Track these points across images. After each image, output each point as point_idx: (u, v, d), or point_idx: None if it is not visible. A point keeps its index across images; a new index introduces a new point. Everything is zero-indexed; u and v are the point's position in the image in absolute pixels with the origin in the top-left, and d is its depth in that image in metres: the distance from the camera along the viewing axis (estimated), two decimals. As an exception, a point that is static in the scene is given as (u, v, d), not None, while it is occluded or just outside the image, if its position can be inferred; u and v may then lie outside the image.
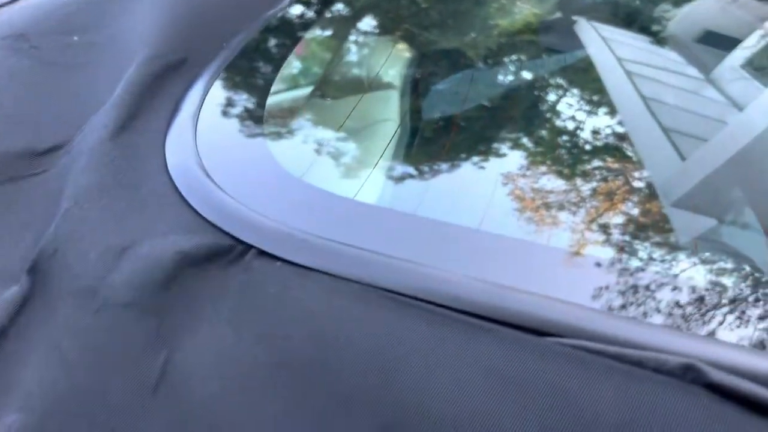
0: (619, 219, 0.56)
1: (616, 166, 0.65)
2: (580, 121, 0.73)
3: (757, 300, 0.45)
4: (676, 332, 0.41)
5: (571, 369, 0.36)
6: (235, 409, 0.38)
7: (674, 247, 0.53)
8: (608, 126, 0.74)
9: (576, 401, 0.35)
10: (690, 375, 0.35)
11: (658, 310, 0.43)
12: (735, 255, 0.52)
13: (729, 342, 0.41)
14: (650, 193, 0.60)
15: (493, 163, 0.66)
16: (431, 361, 0.37)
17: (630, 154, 0.67)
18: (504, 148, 0.69)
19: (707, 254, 0.52)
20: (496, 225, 0.54)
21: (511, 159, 0.66)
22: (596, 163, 0.65)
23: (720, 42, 0.95)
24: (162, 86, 0.64)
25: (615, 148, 0.69)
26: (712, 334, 0.42)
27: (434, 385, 0.36)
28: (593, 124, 0.72)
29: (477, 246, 0.48)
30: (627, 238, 0.53)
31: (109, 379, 0.40)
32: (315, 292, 0.43)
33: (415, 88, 0.82)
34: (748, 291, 0.47)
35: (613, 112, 0.76)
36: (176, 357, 0.41)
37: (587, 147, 0.68)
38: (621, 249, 0.52)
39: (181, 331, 0.42)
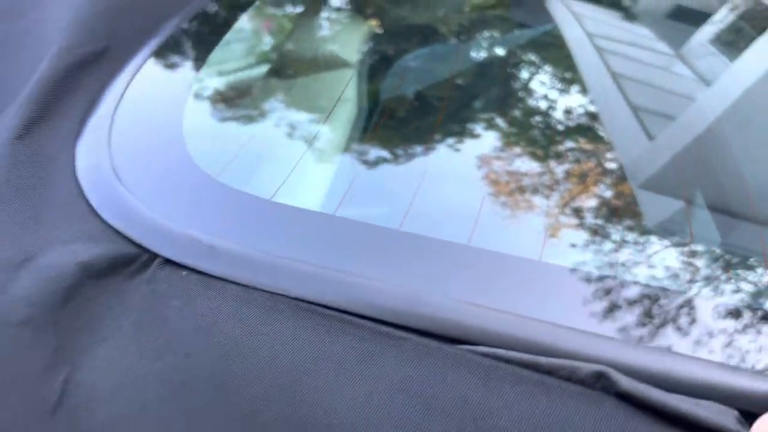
0: (588, 202, 0.56)
1: (585, 146, 0.65)
2: (550, 99, 0.72)
3: (718, 286, 0.45)
4: (595, 337, 0.40)
5: (477, 379, 0.36)
6: (141, 428, 0.37)
7: (643, 231, 0.53)
8: (579, 105, 0.73)
9: (478, 412, 0.34)
10: (601, 383, 0.35)
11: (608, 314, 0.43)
12: (698, 237, 0.52)
13: (647, 345, 0.40)
14: (619, 175, 0.60)
15: (449, 145, 0.64)
16: (339, 375, 0.36)
17: (600, 134, 0.67)
18: (472, 127, 0.67)
19: (672, 238, 0.52)
20: (423, 219, 0.53)
21: (477, 140, 0.65)
22: (565, 143, 0.65)
23: (690, 17, 0.95)
24: (77, 82, 0.58)
25: (585, 128, 0.68)
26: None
27: (342, 401, 0.35)
28: (563, 103, 0.72)
29: (395, 247, 0.46)
30: (597, 221, 0.53)
31: (5, 402, 0.38)
32: (220, 302, 0.41)
33: (373, 66, 0.79)
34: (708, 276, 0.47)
35: (583, 90, 0.75)
36: (76, 377, 0.39)
37: (556, 126, 0.68)
38: (592, 232, 0.52)
39: (82, 350, 0.40)
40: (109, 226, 0.46)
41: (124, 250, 0.44)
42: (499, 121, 0.69)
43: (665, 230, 0.53)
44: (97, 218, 0.47)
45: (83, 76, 0.59)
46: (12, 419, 0.38)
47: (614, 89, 0.75)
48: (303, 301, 0.41)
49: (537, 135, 0.66)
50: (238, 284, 0.42)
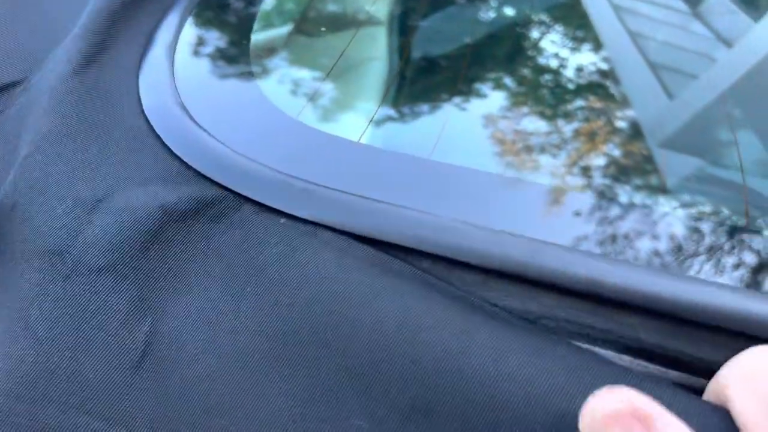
0: (604, 159, 0.55)
1: (603, 105, 0.63)
2: (567, 59, 0.70)
3: (734, 245, 0.44)
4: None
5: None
6: (236, 390, 0.34)
7: (661, 189, 0.52)
8: (594, 63, 0.71)
9: None
10: None
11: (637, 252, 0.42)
12: (719, 196, 0.51)
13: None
14: (637, 133, 0.58)
15: (489, 101, 0.63)
16: (466, 334, 0.32)
17: (617, 92, 0.65)
18: (501, 86, 0.66)
19: (693, 196, 0.51)
20: (488, 166, 0.52)
21: (505, 99, 0.64)
22: (584, 102, 0.63)
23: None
24: (132, 15, 0.55)
25: (602, 86, 0.67)
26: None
27: (475, 362, 0.31)
28: (579, 61, 0.70)
29: (483, 188, 0.43)
30: (612, 178, 0.52)
31: (85, 355, 0.36)
32: (327, 253, 0.37)
33: (404, 25, 0.77)
34: (726, 234, 0.46)
35: (599, 48, 0.74)
36: (162, 329, 0.36)
37: (577, 85, 0.66)
38: (605, 190, 0.51)
39: (167, 299, 0.37)
40: (189, 167, 0.43)
41: (208, 192, 0.41)
42: (525, 81, 0.67)
43: (684, 189, 0.51)
44: (175, 158, 0.44)
45: (138, 10, 0.56)
46: (95, 373, 0.35)
47: (632, 48, 0.73)
48: (410, 250, 0.37)
49: (571, 94, 0.65)
50: (345, 234, 0.38)
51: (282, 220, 0.40)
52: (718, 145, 0.58)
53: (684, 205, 0.49)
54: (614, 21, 0.79)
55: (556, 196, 0.46)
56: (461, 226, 0.38)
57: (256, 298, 0.36)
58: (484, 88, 0.66)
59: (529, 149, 0.56)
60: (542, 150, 0.56)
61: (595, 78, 0.68)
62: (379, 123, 0.55)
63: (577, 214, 0.44)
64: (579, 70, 0.69)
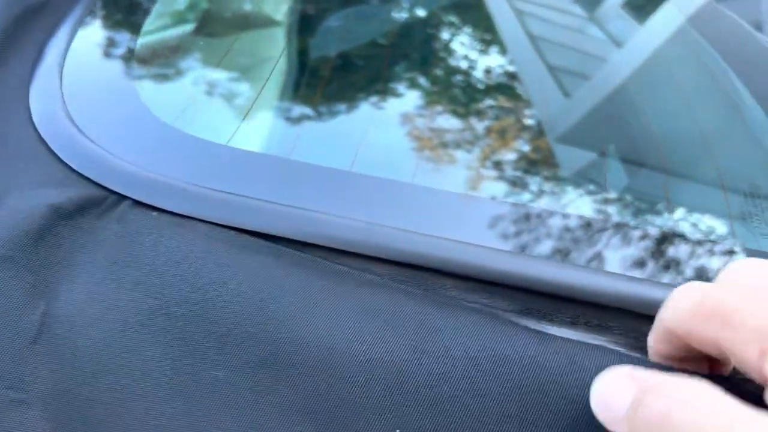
0: (508, 156, 0.57)
1: (506, 104, 0.66)
2: (472, 60, 0.73)
3: (627, 232, 0.48)
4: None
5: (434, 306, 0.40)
6: (117, 354, 0.40)
7: (559, 180, 0.55)
8: (499, 65, 0.74)
9: (431, 329, 0.38)
10: None
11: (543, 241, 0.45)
12: (611, 187, 0.55)
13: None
14: (538, 130, 0.62)
15: (379, 103, 0.65)
16: (306, 299, 0.40)
17: (519, 92, 0.68)
18: (395, 87, 0.67)
19: (588, 186, 0.54)
20: (380, 166, 0.54)
21: (402, 99, 0.65)
22: (487, 102, 0.66)
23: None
24: (25, 30, 0.60)
25: (505, 87, 0.70)
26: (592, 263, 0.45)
27: (309, 319, 0.38)
28: (484, 63, 0.73)
29: (352, 187, 0.49)
30: (516, 173, 0.55)
31: None
32: (191, 238, 0.44)
33: (302, 25, 0.78)
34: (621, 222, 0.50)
35: (503, 50, 0.77)
36: (55, 309, 0.42)
37: (478, 86, 0.69)
38: (512, 184, 0.54)
39: (58, 284, 0.43)
40: (74, 171, 0.48)
41: (92, 193, 0.47)
42: (425, 80, 0.69)
43: (581, 179, 0.55)
44: (61, 164, 0.49)
45: (29, 25, 0.61)
46: None
47: (532, 51, 0.77)
48: (265, 236, 0.44)
49: (461, 93, 0.67)
50: (206, 222, 0.45)
51: (154, 214, 0.46)
52: (608, 139, 0.63)
53: (575, 195, 0.52)
54: (516, 25, 0.83)
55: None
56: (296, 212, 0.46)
57: (131, 280, 0.42)
58: (387, 88, 0.68)
59: (436, 148, 0.58)
60: (450, 146, 0.58)
61: (501, 79, 0.71)
62: (253, 122, 0.61)
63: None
64: (486, 72, 0.72)
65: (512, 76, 0.71)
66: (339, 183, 0.49)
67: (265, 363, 0.38)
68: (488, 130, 0.61)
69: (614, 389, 0.28)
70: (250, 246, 0.43)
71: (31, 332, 0.41)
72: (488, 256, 0.43)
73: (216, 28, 0.74)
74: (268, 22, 0.77)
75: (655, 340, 0.33)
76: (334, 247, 0.44)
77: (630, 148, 0.61)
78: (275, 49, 0.72)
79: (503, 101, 0.66)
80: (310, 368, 0.37)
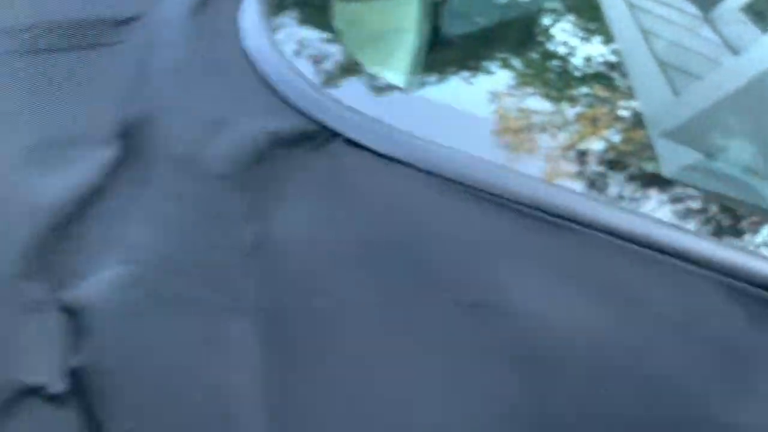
0: (607, 144, 0.56)
1: (609, 94, 0.65)
2: (583, 48, 0.71)
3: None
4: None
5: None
6: (329, 280, 0.41)
7: (657, 176, 0.54)
8: (604, 54, 0.72)
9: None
10: None
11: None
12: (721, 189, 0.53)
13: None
14: (640, 122, 0.60)
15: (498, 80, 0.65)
16: (513, 254, 0.40)
17: (625, 83, 0.66)
18: (515, 66, 0.67)
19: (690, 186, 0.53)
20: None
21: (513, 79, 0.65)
22: (594, 89, 0.65)
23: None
24: None
25: (610, 78, 0.68)
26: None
27: (515, 274, 0.39)
28: (591, 51, 0.71)
29: None
30: (612, 163, 0.54)
31: (208, 241, 0.43)
32: (402, 183, 0.44)
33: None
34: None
35: (610, 41, 0.75)
36: (269, 228, 0.43)
37: (585, 74, 0.67)
38: (605, 172, 0.53)
39: (274, 208, 0.44)
40: (289, 105, 0.49)
41: (306, 126, 0.48)
42: (536, 63, 0.68)
43: (680, 177, 0.53)
44: (277, 97, 0.50)
45: None
46: (212, 255, 0.42)
47: (643, 44, 0.75)
48: (476, 188, 0.43)
49: (584, 81, 0.66)
50: (420, 170, 0.45)
51: (367, 155, 0.46)
52: (717, 142, 0.60)
53: (677, 192, 0.51)
54: (628, 17, 0.80)
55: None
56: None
57: (346, 217, 0.43)
58: (496, 67, 0.67)
59: (529, 128, 0.58)
60: (543, 130, 0.57)
61: (605, 69, 0.69)
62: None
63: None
64: (588, 59, 0.70)
65: (620, 67, 0.69)
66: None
67: (475, 306, 0.39)
68: (590, 118, 0.59)
69: None
70: (459, 195, 0.43)
71: (246, 246, 0.42)
72: None
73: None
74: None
75: None
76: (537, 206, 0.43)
77: (740, 154, 0.59)
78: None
79: (607, 92, 0.65)
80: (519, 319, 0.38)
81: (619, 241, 0.40)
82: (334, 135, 0.47)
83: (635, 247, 0.40)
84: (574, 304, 0.38)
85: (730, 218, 0.51)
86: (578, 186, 0.49)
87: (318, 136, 0.47)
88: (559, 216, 0.42)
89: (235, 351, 0.38)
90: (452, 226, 0.42)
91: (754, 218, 0.51)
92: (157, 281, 0.41)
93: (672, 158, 0.55)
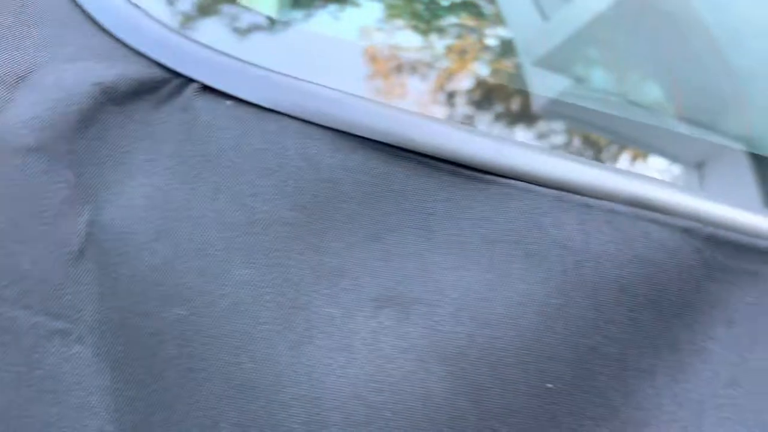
0: (479, 75, 0.52)
1: (475, 23, 0.60)
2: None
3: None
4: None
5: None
6: (195, 276, 0.31)
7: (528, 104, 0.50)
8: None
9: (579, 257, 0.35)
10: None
11: None
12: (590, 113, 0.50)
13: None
14: (510, 51, 0.56)
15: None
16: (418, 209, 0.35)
17: (492, 11, 0.62)
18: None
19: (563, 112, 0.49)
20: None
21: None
22: (458, 19, 0.60)
23: None
24: None
25: (475, 5, 0.64)
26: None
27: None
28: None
29: None
30: (483, 93, 0.50)
31: (20, 246, 0.32)
32: (281, 139, 0.35)
33: None
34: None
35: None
36: (102, 218, 0.33)
37: (451, 2, 0.63)
38: (476, 102, 0.48)
39: (107, 186, 0.34)
40: (122, 43, 0.38)
41: (148, 73, 0.37)
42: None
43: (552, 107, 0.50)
44: (105, 33, 0.38)
45: None
46: (32, 265, 0.31)
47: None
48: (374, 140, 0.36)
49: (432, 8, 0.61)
50: (297, 119, 0.35)
51: (228, 103, 0.36)
52: (585, 65, 0.58)
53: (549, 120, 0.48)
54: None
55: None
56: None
57: (210, 187, 0.33)
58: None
59: (399, 62, 0.52)
60: (413, 69, 0.52)
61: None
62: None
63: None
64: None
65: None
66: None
67: (386, 300, 0.31)
68: (458, 50, 0.55)
69: None
70: (355, 148, 0.35)
71: (74, 246, 0.32)
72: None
73: None
74: None
75: None
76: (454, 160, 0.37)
77: (611, 76, 0.57)
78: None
79: (472, 20, 0.60)
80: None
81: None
82: (187, 81, 0.38)
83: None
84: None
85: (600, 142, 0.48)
86: (448, 118, 0.44)
87: (165, 85, 0.37)
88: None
89: (73, 386, 0.31)
90: (356, 186, 0.35)
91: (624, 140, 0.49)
92: None
93: (544, 85, 0.52)
